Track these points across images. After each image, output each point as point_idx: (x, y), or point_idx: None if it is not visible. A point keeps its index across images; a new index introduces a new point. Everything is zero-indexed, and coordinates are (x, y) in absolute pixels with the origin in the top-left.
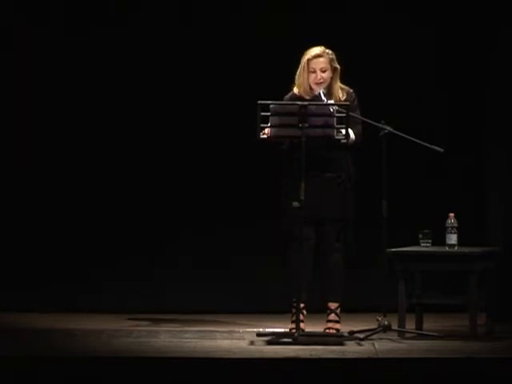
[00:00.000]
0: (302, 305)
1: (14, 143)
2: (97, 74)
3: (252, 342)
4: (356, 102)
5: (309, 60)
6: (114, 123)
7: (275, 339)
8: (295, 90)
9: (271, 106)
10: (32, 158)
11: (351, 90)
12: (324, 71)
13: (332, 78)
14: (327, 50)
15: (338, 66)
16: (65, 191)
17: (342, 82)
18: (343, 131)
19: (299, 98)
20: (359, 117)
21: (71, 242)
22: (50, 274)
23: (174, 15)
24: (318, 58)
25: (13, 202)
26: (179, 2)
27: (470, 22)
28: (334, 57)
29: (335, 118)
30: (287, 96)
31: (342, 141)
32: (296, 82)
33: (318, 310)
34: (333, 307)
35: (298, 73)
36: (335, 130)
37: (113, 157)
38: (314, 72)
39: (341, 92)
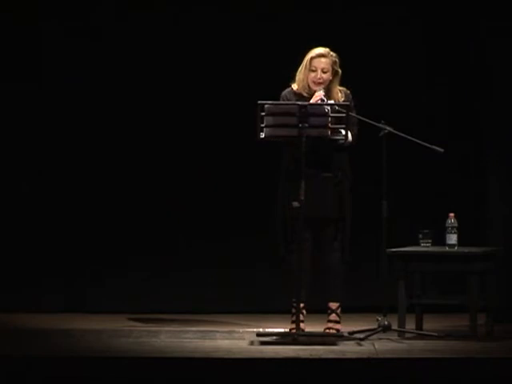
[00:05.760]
0: (301, 305)
1: (16, 144)
2: (97, 75)
3: (252, 342)
4: (353, 104)
5: (312, 58)
6: (118, 123)
7: (275, 339)
8: (294, 86)
9: (266, 105)
10: (34, 159)
11: (348, 91)
12: (325, 72)
13: (332, 81)
14: (331, 52)
15: (339, 70)
16: (65, 192)
17: (341, 81)
18: (343, 132)
19: (297, 94)
20: (360, 117)
21: (71, 243)
22: (51, 275)
23: (174, 15)
24: (320, 58)
25: (12, 201)
26: (179, 1)
27: (470, 17)
28: (337, 60)
29: (333, 119)
30: (285, 92)
31: (340, 141)
32: (296, 78)
33: (318, 309)
34: (333, 307)
35: (299, 69)
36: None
37: (112, 158)
38: (315, 71)
39: (339, 94)
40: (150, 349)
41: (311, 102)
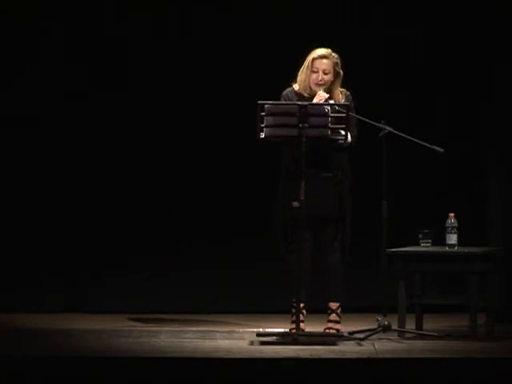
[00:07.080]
0: (301, 305)
1: (15, 144)
2: (97, 74)
3: (252, 342)
4: (353, 105)
5: (314, 59)
6: (117, 123)
7: (275, 339)
8: (295, 86)
9: (266, 105)
10: (34, 160)
11: (348, 93)
12: (326, 73)
13: (333, 82)
14: (333, 54)
15: (340, 71)
16: (65, 192)
17: (342, 81)
18: (342, 132)
19: (298, 94)
20: (360, 117)
21: (71, 243)
22: (51, 275)
23: (174, 15)
24: (322, 59)
25: (12, 202)
26: (179, 1)
27: (469, 18)
28: (338, 61)
29: (333, 119)
30: (286, 92)
31: (340, 141)
32: (298, 78)
33: (318, 309)
34: (334, 307)
35: (301, 70)
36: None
37: (112, 159)
38: (317, 72)
39: (340, 96)
40: (150, 349)
41: (314, 101)
